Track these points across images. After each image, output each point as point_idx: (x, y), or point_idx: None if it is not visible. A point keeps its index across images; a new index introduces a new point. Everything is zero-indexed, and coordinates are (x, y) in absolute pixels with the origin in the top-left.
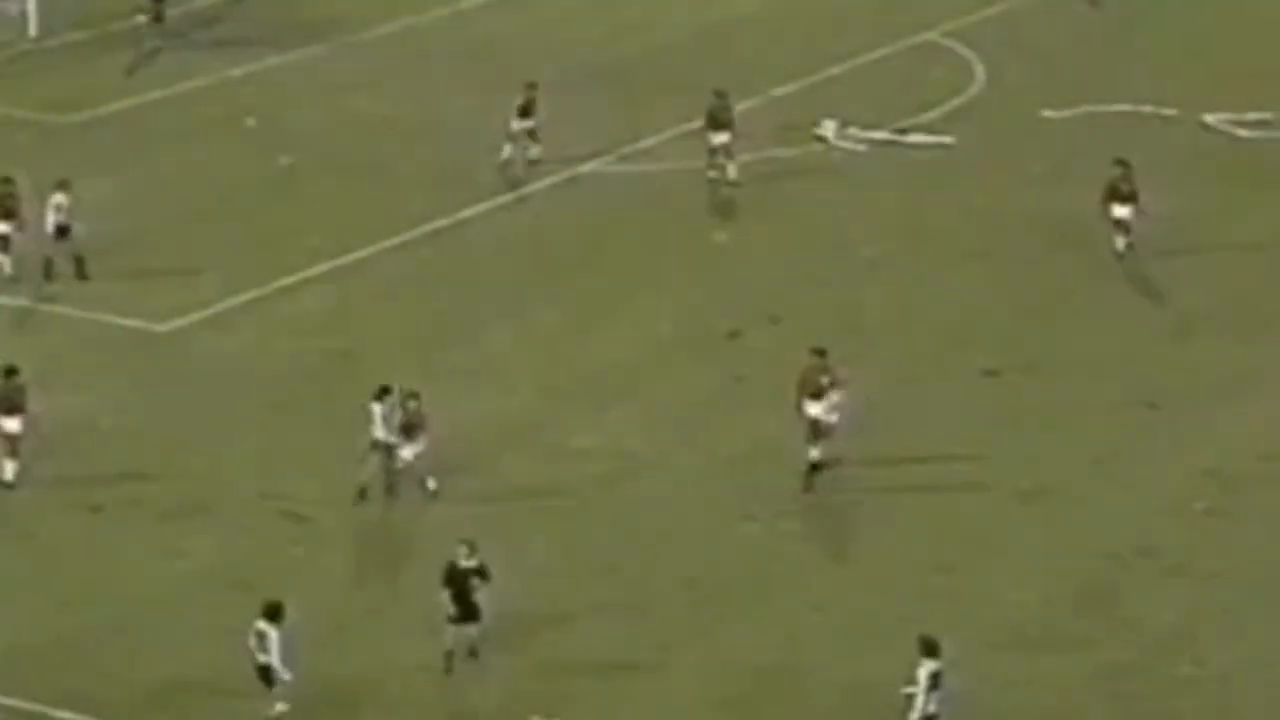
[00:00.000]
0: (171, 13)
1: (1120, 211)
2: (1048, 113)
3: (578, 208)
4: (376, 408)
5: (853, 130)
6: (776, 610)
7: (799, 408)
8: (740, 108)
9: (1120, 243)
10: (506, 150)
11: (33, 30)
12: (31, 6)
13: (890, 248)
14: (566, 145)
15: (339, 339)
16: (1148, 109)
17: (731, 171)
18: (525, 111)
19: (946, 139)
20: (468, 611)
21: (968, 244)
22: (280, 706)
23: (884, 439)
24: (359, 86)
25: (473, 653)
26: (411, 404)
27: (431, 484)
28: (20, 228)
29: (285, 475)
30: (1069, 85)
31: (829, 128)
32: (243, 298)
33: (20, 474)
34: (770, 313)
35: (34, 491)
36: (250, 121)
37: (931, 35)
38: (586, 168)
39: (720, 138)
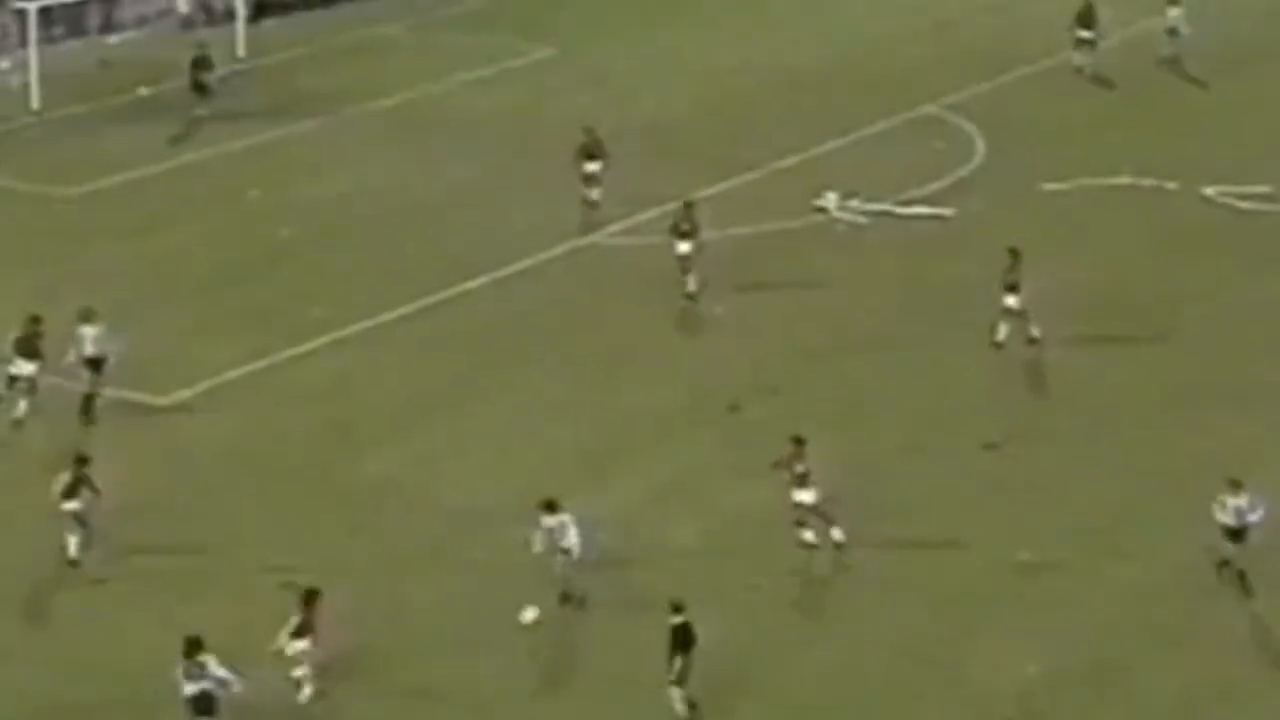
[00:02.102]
0: (171, 87)
1: (1009, 301)
2: (1048, 185)
3: (578, 280)
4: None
5: (854, 202)
6: (778, 680)
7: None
8: (741, 180)
9: (1002, 331)
10: (593, 194)
11: (35, 103)
12: (34, 79)
13: (890, 319)
14: (565, 218)
15: (340, 410)
16: (1148, 182)
17: (691, 284)
18: (591, 155)
19: (946, 211)
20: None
21: (967, 316)
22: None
23: (884, 510)
24: (360, 159)
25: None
26: None
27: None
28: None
29: (287, 547)
30: (1069, 158)
31: (830, 200)
32: (244, 370)
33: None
34: (770, 385)
35: (36, 564)
36: (253, 194)
37: (932, 108)
38: (586, 240)
39: (684, 247)
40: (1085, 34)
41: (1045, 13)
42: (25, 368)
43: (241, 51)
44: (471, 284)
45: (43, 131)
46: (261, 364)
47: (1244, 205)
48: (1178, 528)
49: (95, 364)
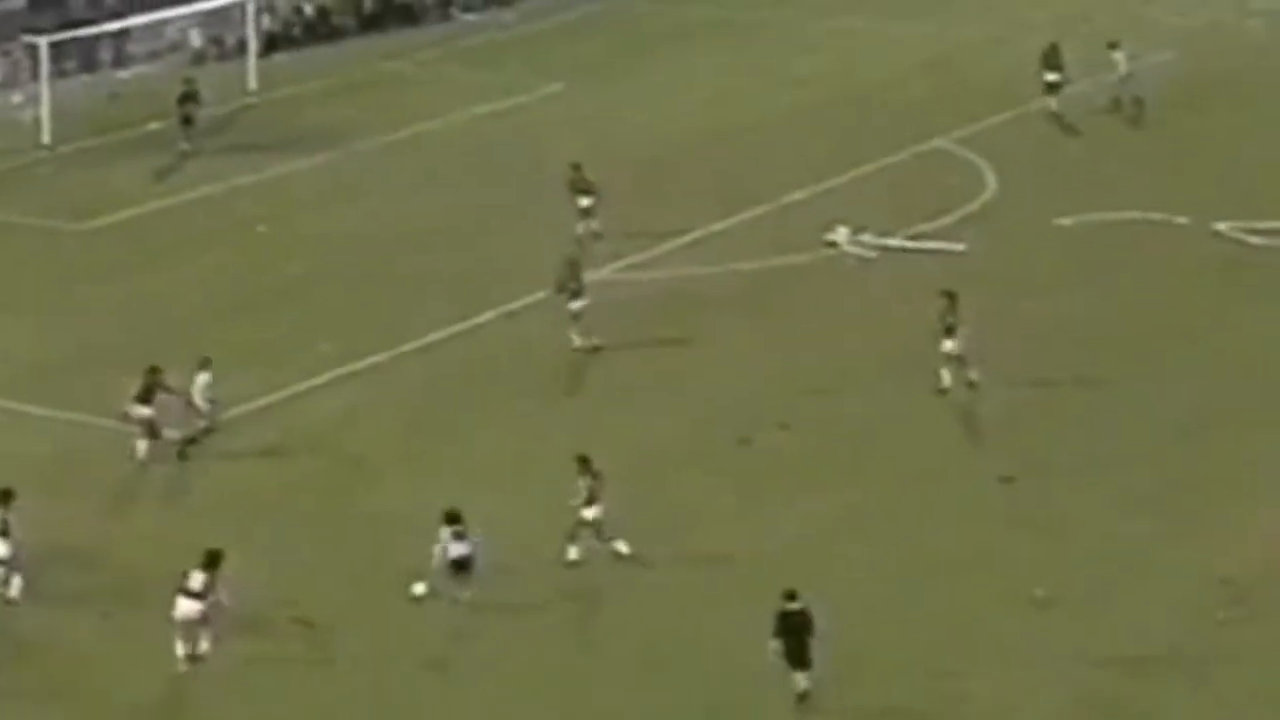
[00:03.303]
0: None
1: (947, 345)
2: (1059, 220)
3: (587, 313)
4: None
5: (864, 236)
6: (791, 710)
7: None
8: (751, 214)
9: (945, 377)
10: (580, 228)
11: (46, 137)
12: (45, 113)
13: (900, 353)
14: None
15: (350, 445)
16: (1159, 216)
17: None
18: (581, 190)
19: (958, 246)
20: (800, 657)
21: (979, 349)
22: None
23: (898, 544)
24: (369, 193)
25: (803, 698)
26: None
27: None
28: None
29: (296, 582)
30: (1080, 192)
31: (841, 234)
32: (255, 404)
33: (27, 584)
34: (780, 419)
35: (44, 600)
36: (261, 228)
37: (942, 142)
38: (593, 275)
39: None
40: (1052, 77)
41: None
42: (141, 412)
43: (252, 85)
44: (480, 318)
45: (53, 166)
46: (270, 399)
47: (1255, 240)
48: (1191, 561)
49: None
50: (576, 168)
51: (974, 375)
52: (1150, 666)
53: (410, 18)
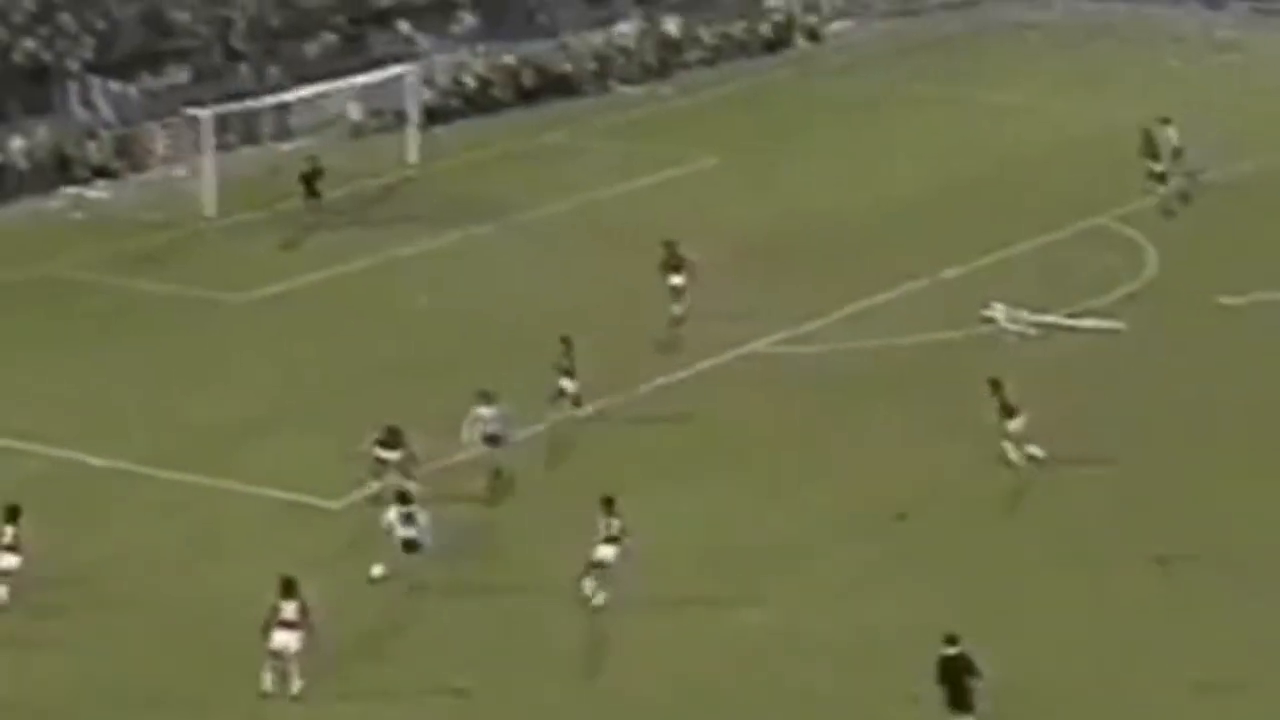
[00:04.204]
0: (339, 193)
1: (1012, 426)
2: (1224, 299)
3: (745, 386)
4: None
5: (1023, 314)
6: None
7: None
8: (907, 289)
9: (1015, 454)
10: (676, 309)
11: (208, 209)
12: (207, 186)
13: (1059, 430)
14: (733, 324)
15: (503, 510)
16: None
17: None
18: (674, 267)
19: (1118, 324)
20: (962, 701)
21: (1138, 429)
22: None
23: (1056, 626)
24: (526, 265)
25: None
26: None
27: None
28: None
29: (461, 651)
30: (1245, 271)
31: (998, 310)
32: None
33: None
34: (936, 494)
35: (194, 668)
36: (422, 300)
37: (1103, 220)
38: (749, 348)
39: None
40: (1156, 166)
41: (1208, 125)
42: (389, 455)
43: (412, 158)
44: (640, 389)
45: (215, 237)
46: (429, 468)
47: None
48: None
49: (493, 441)
50: (670, 245)
51: (1037, 452)
52: None
53: (568, 90)
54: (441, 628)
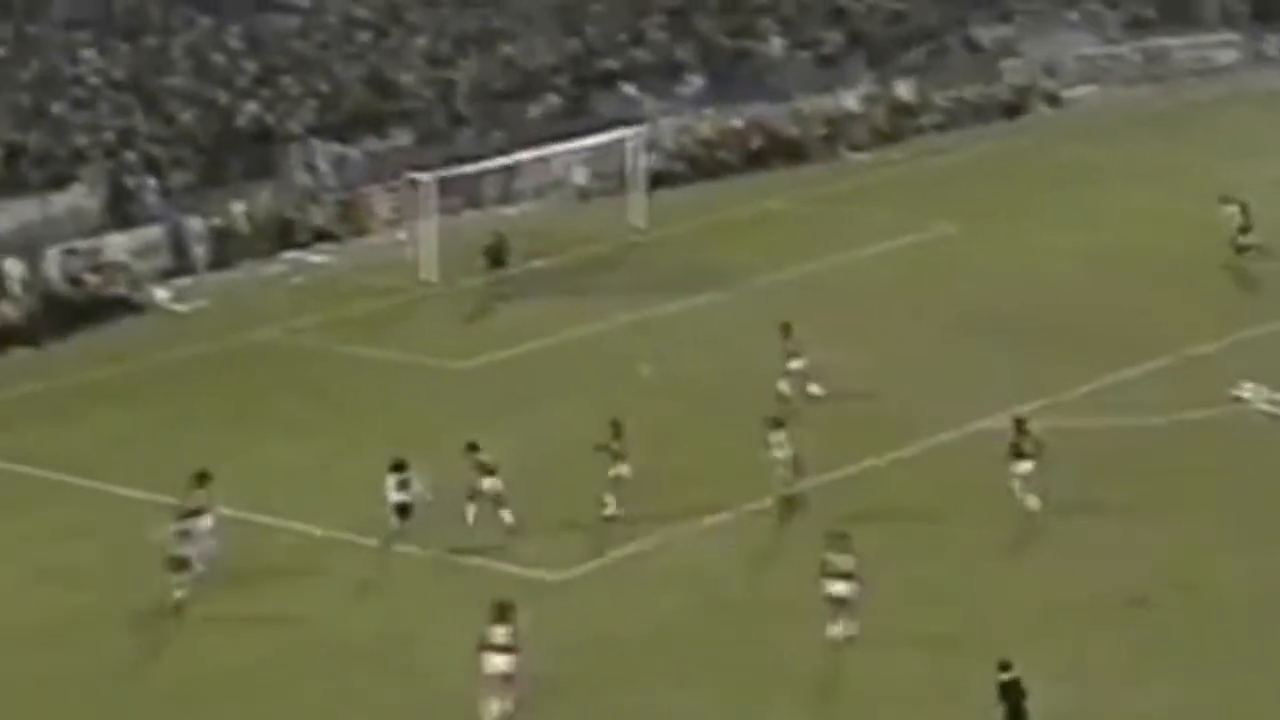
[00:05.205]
0: (566, 259)
1: (1022, 468)
2: None
3: (982, 463)
4: None
5: (1276, 394)
6: None
7: None
8: (1153, 365)
9: (1031, 501)
10: (782, 385)
11: (429, 275)
12: (429, 250)
13: None
14: (969, 399)
15: (736, 590)
16: None
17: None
18: (791, 353)
19: None
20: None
21: None
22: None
23: None
24: (752, 335)
25: None
26: None
27: None
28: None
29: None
30: None
31: (1249, 390)
32: (630, 549)
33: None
34: (1182, 580)
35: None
36: (644, 369)
37: None
38: (984, 424)
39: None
40: (1245, 240)
41: None
42: (487, 483)
43: (637, 222)
44: (867, 462)
45: (436, 303)
46: (647, 544)
47: None
48: None
49: (403, 511)
50: (786, 327)
51: (1027, 497)
52: None
53: (797, 155)
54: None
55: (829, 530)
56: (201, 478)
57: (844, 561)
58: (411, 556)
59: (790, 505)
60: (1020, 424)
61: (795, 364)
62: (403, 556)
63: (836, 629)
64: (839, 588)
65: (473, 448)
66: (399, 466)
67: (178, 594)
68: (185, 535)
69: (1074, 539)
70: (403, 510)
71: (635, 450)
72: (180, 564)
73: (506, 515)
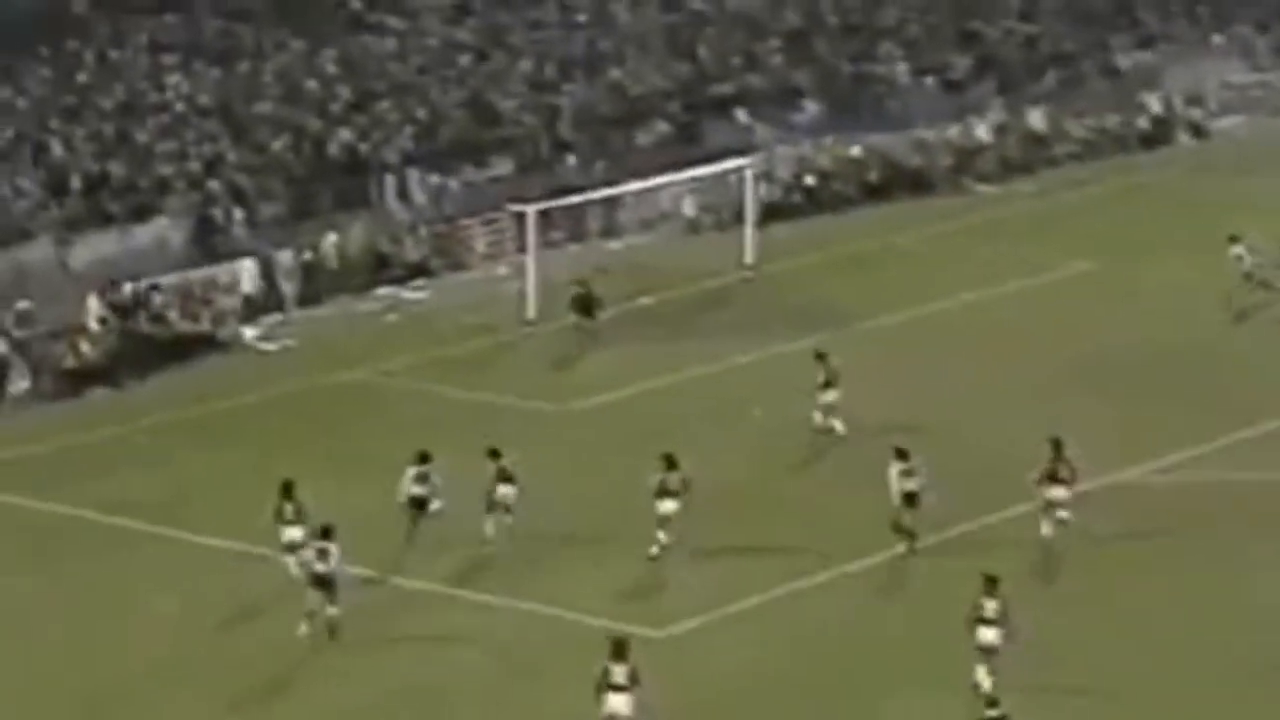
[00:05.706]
0: (675, 295)
1: (1055, 493)
2: None
3: (1111, 519)
4: None
5: None
6: None
7: None
8: (1268, 429)
9: (1045, 527)
10: (816, 417)
11: (530, 312)
12: (530, 286)
13: None
14: (1099, 450)
15: (842, 653)
16: None
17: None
18: (827, 384)
19: None
20: None
21: None
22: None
23: None
24: (864, 375)
25: None
26: None
27: None
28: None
29: None
30: None
31: None
32: (741, 605)
33: None
34: None
35: None
36: (756, 412)
37: None
38: (1113, 477)
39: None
40: None
41: None
42: (502, 490)
43: (749, 258)
44: (991, 516)
45: (536, 342)
46: (753, 600)
47: None
48: None
49: (419, 504)
50: (821, 356)
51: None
52: None
53: (920, 187)
54: None
55: (983, 573)
56: (288, 488)
57: (992, 608)
58: (502, 609)
59: (912, 542)
60: (1057, 444)
61: (828, 396)
62: (492, 609)
63: (983, 676)
64: (988, 635)
65: (494, 454)
66: (423, 458)
67: (331, 611)
68: (324, 554)
69: (1194, 598)
70: (417, 504)
71: (751, 501)
72: (323, 581)
73: (507, 519)
